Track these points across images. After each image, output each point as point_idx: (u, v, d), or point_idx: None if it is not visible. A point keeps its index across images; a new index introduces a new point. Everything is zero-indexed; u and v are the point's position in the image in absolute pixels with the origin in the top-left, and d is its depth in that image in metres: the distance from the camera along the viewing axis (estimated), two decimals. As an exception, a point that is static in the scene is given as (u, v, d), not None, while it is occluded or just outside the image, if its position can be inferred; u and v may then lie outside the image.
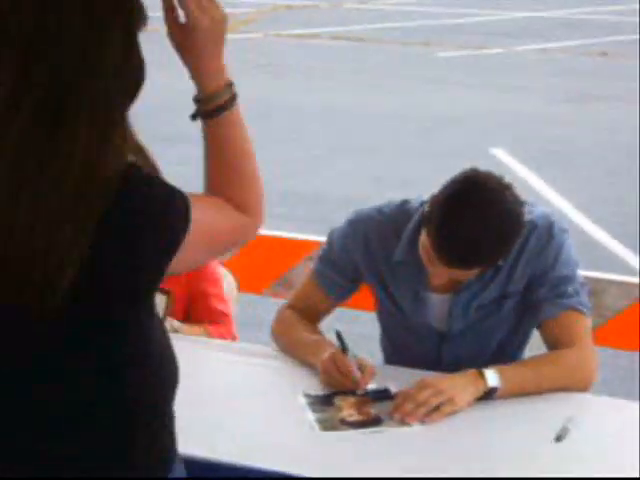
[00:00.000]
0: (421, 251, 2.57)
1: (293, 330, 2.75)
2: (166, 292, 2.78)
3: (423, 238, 2.54)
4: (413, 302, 2.73)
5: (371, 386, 2.48)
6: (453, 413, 2.37)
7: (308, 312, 2.81)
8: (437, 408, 2.36)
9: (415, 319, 2.75)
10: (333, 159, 8.67)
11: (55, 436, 1.68)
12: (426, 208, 2.56)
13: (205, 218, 1.71)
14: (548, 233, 2.63)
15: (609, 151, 9.05)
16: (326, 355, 2.53)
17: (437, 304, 2.71)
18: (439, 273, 2.57)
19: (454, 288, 2.67)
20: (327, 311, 2.87)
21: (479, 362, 2.58)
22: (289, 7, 19.55)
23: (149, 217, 1.64)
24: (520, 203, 2.52)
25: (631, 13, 19.22)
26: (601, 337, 3.15)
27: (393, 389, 2.47)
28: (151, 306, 1.77)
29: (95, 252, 1.58)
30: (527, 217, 2.59)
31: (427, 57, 14.14)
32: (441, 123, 10.00)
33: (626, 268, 5.91)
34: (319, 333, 2.79)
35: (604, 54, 14.47)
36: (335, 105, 10.80)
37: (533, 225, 2.62)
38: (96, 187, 1.56)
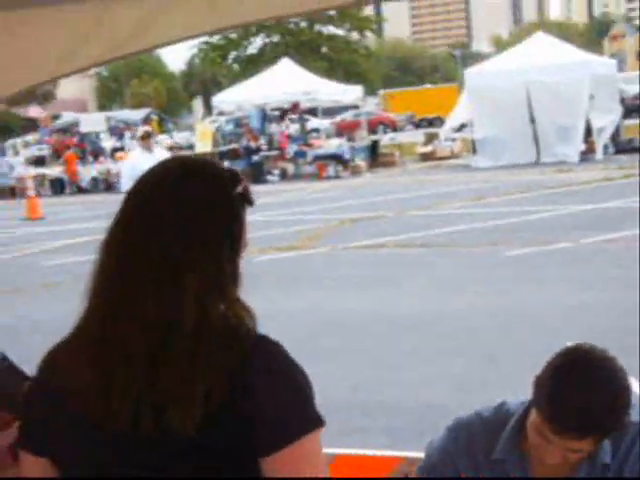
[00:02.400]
0: (531, 435, 2.58)
1: None
2: None
3: (532, 418, 2.56)
4: None
5: None
6: None
7: None
8: None
9: None
10: (406, 368, 8.67)
11: None
12: (531, 393, 2.57)
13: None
14: None
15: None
16: None
17: None
18: (552, 451, 2.54)
19: None
20: None
21: None
22: (354, 220, 19.95)
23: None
24: (626, 372, 2.55)
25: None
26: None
27: None
28: None
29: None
30: (636, 418, 2.64)
31: (495, 257, 14.24)
32: (514, 322, 9.99)
33: None
34: None
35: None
36: (403, 313, 10.87)
37: (636, 427, 2.64)
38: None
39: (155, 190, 1.91)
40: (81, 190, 34.53)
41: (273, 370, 1.80)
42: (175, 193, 1.89)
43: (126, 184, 13.05)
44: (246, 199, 1.95)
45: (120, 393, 1.79)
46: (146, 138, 14.20)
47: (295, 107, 35.97)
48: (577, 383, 2.49)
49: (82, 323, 1.90)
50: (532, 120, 31.21)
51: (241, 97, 33.94)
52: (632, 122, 35.41)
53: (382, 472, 3.36)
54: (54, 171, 36.23)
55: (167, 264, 1.82)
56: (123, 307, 1.82)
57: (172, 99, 69.03)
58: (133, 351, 1.80)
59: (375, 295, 12.11)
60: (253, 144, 33.00)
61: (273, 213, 20.91)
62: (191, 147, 39.12)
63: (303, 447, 1.77)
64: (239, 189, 1.92)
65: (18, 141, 50.07)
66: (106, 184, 33.74)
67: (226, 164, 2.09)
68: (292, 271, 14.29)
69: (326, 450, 2.93)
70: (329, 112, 49.77)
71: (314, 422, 1.80)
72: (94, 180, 34.73)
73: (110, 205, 2.01)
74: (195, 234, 1.85)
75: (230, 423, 1.76)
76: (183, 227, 1.85)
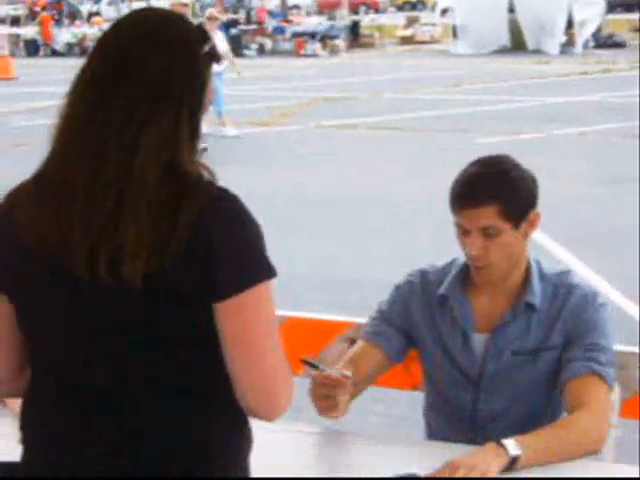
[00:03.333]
0: (459, 241, 2.78)
1: None
2: None
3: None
4: (459, 342, 2.85)
5: (400, 472, 2.48)
6: None
7: (356, 371, 2.80)
8: None
9: (459, 361, 2.85)
10: (368, 245, 8.79)
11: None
12: None
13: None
14: (592, 299, 2.79)
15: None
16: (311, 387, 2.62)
17: (478, 345, 2.83)
18: (472, 241, 2.73)
19: (494, 326, 2.81)
20: (378, 368, 2.92)
21: (513, 424, 2.68)
22: (328, 99, 19.88)
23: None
24: (525, 168, 2.81)
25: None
26: (629, 410, 3.19)
27: (419, 473, 2.47)
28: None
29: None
30: (574, 280, 2.83)
31: (465, 144, 14.28)
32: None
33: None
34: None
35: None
36: (370, 193, 10.97)
37: (574, 285, 2.81)
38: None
39: (122, 38, 1.91)
40: (55, 53, 34.09)
41: (232, 220, 1.85)
42: (141, 43, 1.89)
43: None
44: (213, 56, 1.96)
45: (78, 239, 1.83)
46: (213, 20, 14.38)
47: (277, -19, 35.45)
48: (479, 167, 2.76)
49: (43, 168, 1.92)
50: (511, 9, 30.99)
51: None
52: (615, 17, 35.17)
53: (331, 335, 3.44)
54: (29, 32, 35.69)
55: (127, 115, 1.84)
56: (84, 157, 1.85)
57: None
58: (90, 199, 1.83)
59: (343, 174, 12.17)
60: (223, 17, 32.57)
61: (248, 87, 20.79)
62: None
63: (257, 294, 1.84)
64: (206, 47, 1.93)
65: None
66: (81, 49, 33.32)
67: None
68: (262, 146, 14.29)
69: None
70: (311, -11, 49.02)
71: (268, 271, 1.87)
72: (69, 44, 34.26)
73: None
74: (158, 87, 1.86)
75: (187, 269, 1.81)
76: (147, 79, 1.86)
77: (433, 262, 3.00)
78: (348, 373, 2.60)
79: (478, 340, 2.84)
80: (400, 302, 2.93)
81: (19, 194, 1.95)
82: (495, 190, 2.71)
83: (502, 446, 2.48)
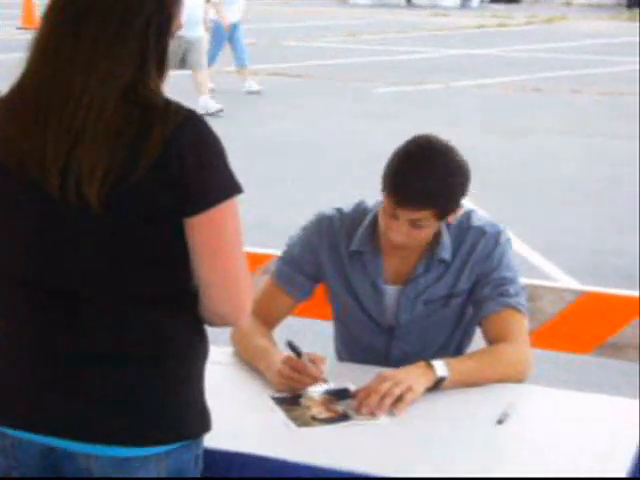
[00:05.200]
0: (381, 220, 2.80)
1: (247, 338, 2.85)
2: None
3: (382, 204, 2.79)
4: (371, 293, 2.92)
5: (331, 386, 2.62)
6: (414, 401, 2.54)
7: (267, 314, 2.94)
8: (399, 398, 2.52)
9: (370, 311, 2.94)
10: (264, 190, 8.86)
11: None
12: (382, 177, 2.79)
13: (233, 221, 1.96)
14: (495, 239, 2.89)
15: (543, 181, 9.35)
16: (279, 362, 2.66)
17: (390, 296, 2.91)
18: (398, 227, 2.75)
19: (406, 279, 2.89)
20: (287, 311, 3.01)
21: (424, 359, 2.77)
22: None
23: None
24: (464, 161, 2.78)
25: (563, 50, 19.78)
26: (536, 340, 3.35)
27: (351, 387, 2.62)
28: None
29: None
30: (477, 223, 2.90)
31: (364, 93, 14.40)
32: (375, 156, 10.17)
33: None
34: (270, 339, 2.89)
35: (538, 89, 14.86)
36: (271, 139, 11.05)
37: (482, 231, 2.89)
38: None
39: None
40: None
41: (202, 139, 1.93)
42: None
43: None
44: None
45: (51, 162, 1.91)
46: None
47: None
48: (418, 160, 2.73)
49: (14, 91, 1.99)
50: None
51: None
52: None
53: (254, 267, 3.51)
54: None
55: (94, 42, 1.90)
56: (55, 82, 1.91)
57: None
58: (61, 123, 1.90)
59: (244, 119, 12.19)
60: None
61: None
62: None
63: (227, 208, 1.94)
64: None
65: None
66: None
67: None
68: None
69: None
70: None
71: (236, 187, 1.97)
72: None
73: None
74: (126, 13, 1.91)
75: (157, 188, 1.89)
76: (116, 6, 1.90)
77: (339, 206, 3.00)
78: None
79: (389, 291, 2.92)
80: (309, 248, 2.96)
81: None
82: (434, 196, 2.71)
83: (431, 366, 2.61)
